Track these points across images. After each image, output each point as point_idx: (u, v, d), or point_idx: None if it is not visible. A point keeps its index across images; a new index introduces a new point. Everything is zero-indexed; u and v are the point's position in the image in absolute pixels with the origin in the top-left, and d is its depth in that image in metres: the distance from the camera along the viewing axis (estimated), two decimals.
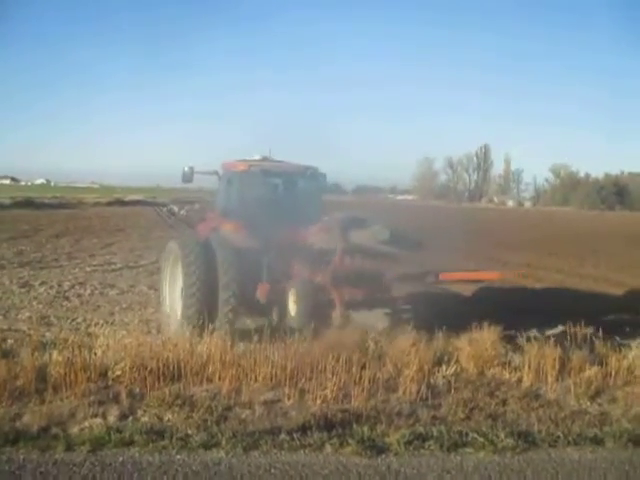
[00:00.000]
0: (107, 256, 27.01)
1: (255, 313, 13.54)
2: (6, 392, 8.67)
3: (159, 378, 9.34)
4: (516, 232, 53.86)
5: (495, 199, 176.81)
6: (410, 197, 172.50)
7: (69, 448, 7.43)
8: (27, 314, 14.97)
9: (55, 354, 9.86)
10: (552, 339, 11.28)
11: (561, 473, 7.51)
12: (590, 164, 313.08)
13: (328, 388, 9.10)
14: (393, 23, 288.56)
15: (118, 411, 8.45)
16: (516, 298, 19.59)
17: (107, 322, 13.83)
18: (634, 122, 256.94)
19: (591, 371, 10.58)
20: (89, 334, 12.39)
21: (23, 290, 18.16)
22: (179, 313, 12.93)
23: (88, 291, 18.35)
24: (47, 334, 12.51)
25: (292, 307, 12.43)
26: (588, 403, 9.68)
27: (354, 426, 8.28)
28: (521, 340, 11.59)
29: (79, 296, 17.64)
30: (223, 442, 7.65)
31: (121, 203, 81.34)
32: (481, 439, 8.09)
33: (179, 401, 8.68)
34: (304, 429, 8.08)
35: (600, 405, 9.68)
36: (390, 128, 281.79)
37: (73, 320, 14.50)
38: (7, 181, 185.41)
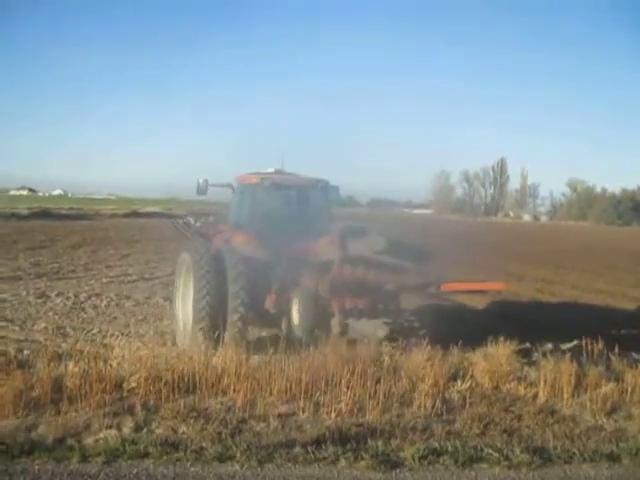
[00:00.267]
0: (123, 267, 27.09)
1: (266, 324, 13.65)
2: (22, 403, 8.70)
3: (174, 390, 9.36)
4: (532, 246, 53.66)
5: (511, 213, 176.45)
6: (426, 211, 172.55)
7: (84, 459, 7.46)
8: (43, 325, 15.02)
9: (71, 365, 9.91)
10: (568, 354, 11.23)
11: None
12: (607, 179, 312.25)
13: (343, 402, 9.10)
14: (409, 37, 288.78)
15: (133, 423, 8.47)
16: (531, 312, 19.55)
17: (123, 334, 13.87)
18: None
19: (607, 387, 10.53)
20: (105, 345, 12.42)
21: (39, 301, 18.21)
22: (190, 323, 12.96)
23: (104, 302, 18.39)
24: (63, 345, 12.54)
25: (295, 316, 12.55)
26: (604, 419, 9.63)
27: (369, 440, 8.27)
28: (536, 355, 11.57)
29: (95, 307, 17.69)
30: (238, 455, 7.66)
31: (138, 215, 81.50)
32: (496, 454, 8.07)
33: (194, 413, 8.70)
34: (318, 443, 8.07)
35: (616, 421, 9.63)
36: (407, 142, 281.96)
37: (89, 331, 14.53)
38: (25, 192, 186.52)
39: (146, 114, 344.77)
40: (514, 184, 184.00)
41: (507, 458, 8.02)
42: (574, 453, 8.30)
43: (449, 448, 8.15)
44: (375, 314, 12.40)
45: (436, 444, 8.26)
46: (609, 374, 11.19)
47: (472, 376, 10.74)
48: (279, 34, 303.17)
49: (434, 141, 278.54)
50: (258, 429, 8.53)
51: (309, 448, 7.90)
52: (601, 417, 9.67)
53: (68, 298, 18.71)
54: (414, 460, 7.83)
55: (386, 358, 11.11)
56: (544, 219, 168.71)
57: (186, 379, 9.65)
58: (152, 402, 9.14)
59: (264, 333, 13.62)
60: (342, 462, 7.73)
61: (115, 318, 16.33)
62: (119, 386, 9.54)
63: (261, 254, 13.11)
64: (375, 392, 9.41)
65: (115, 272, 25.38)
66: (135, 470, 7.30)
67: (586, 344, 11.83)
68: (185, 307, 13.67)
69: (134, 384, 9.53)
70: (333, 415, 8.91)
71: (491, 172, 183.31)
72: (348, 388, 9.35)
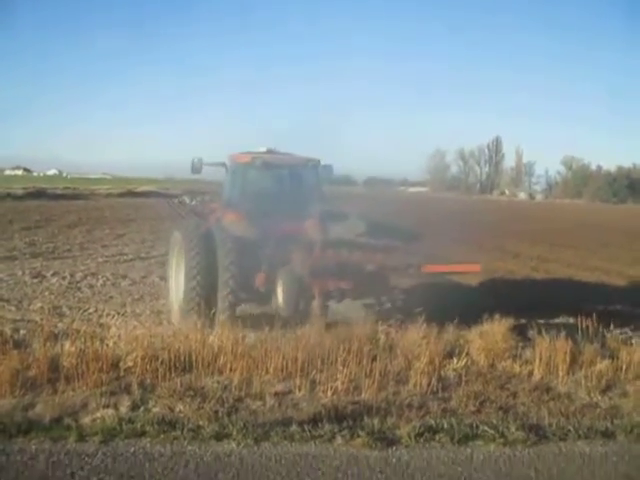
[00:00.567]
0: (119, 247, 27.07)
1: (257, 302, 13.72)
2: (19, 382, 8.72)
3: (170, 369, 9.38)
4: (527, 224, 53.67)
5: (507, 191, 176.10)
6: (422, 189, 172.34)
7: (81, 438, 7.49)
8: (39, 305, 15.01)
9: (67, 345, 9.93)
10: (563, 332, 11.26)
11: (571, 466, 7.53)
12: (602, 156, 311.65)
13: (339, 380, 9.13)
14: (406, 20, 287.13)
15: (130, 402, 8.50)
16: (525, 290, 19.60)
17: (119, 313, 13.92)
18: None
19: (602, 365, 10.59)
20: (101, 325, 12.45)
21: (35, 281, 18.21)
22: (182, 299, 13.05)
23: (100, 282, 18.39)
24: (59, 325, 12.53)
25: (280, 296, 12.65)
26: (599, 396, 9.68)
27: (365, 418, 8.31)
28: (532, 333, 11.61)
29: (91, 287, 17.69)
30: (234, 433, 7.70)
31: (133, 194, 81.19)
32: (491, 432, 8.11)
33: (190, 392, 8.72)
34: (315, 421, 8.11)
35: (611, 399, 9.68)
36: (404, 121, 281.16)
37: (85, 311, 14.53)
38: (19, 172, 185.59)
39: (143, 95, 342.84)
40: (509, 162, 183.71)
41: (502, 435, 8.07)
42: (569, 430, 8.34)
43: (445, 426, 8.20)
44: (360, 295, 12.51)
45: (432, 422, 8.30)
46: (604, 351, 11.24)
47: (468, 354, 10.78)
48: (279, 18, 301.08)
49: (430, 120, 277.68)
50: (254, 407, 8.57)
51: (305, 426, 7.94)
52: (596, 394, 9.72)
53: (64, 278, 18.71)
54: (410, 438, 7.87)
55: (382, 336, 11.16)
56: (539, 197, 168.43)
57: (182, 358, 9.67)
58: (149, 381, 9.17)
59: (256, 311, 13.62)
60: (338, 440, 7.76)
61: (111, 297, 16.34)
62: (116, 365, 9.56)
63: (250, 233, 13.19)
64: (371, 370, 9.44)
65: (111, 251, 25.37)
66: (132, 449, 7.33)
67: (581, 321, 11.88)
68: (178, 285, 13.72)
69: (131, 363, 9.55)
70: (329, 393, 8.94)
71: (486, 150, 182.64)
72: (344, 366, 9.36)
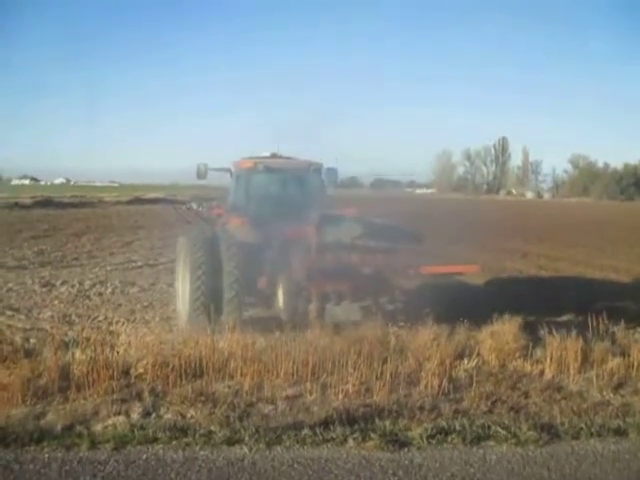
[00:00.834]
0: (127, 254, 27.09)
1: (262, 305, 13.85)
2: (30, 391, 8.74)
3: (181, 375, 9.39)
4: (535, 224, 53.61)
5: (513, 191, 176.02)
6: (429, 190, 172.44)
7: (93, 446, 7.49)
8: (49, 313, 15.03)
9: (78, 353, 9.97)
10: (573, 331, 11.24)
11: (584, 465, 7.50)
12: (609, 154, 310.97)
13: (350, 383, 9.13)
14: (411, 19, 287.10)
15: (141, 408, 8.51)
16: (534, 289, 19.55)
17: (128, 320, 13.91)
18: None
19: (613, 362, 10.57)
20: (111, 332, 12.43)
21: (45, 289, 18.23)
22: (187, 303, 13.11)
23: (109, 289, 18.40)
24: (69, 333, 12.55)
25: (280, 299, 12.81)
26: (611, 394, 9.66)
27: (376, 420, 8.31)
28: (542, 332, 11.59)
29: (100, 295, 17.70)
30: (246, 438, 7.70)
31: (141, 201, 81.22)
32: (504, 432, 8.10)
33: (202, 398, 8.73)
34: (326, 424, 8.10)
35: (623, 396, 9.65)
36: (410, 123, 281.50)
37: (95, 319, 14.54)
38: (27, 181, 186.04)
39: (146, 101, 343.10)
40: (516, 161, 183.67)
41: (515, 435, 8.05)
42: (581, 429, 8.32)
43: (457, 427, 8.18)
44: (358, 297, 12.54)
45: (444, 423, 8.29)
46: (615, 349, 11.22)
47: (478, 354, 10.78)
48: (279, 19, 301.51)
49: (436, 121, 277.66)
50: (266, 412, 8.57)
51: (317, 429, 7.94)
52: (608, 392, 9.70)
53: (73, 286, 18.73)
54: (422, 439, 7.86)
55: (392, 338, 11.15)
56: (547, 196, 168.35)
57: (193, 364, 9.68)
58: (160, 387, 9.18)
59: (265, 315, 13.65)
60: (350, 443, 7.75)
61: (120, 305, 16.35)
62: (126, 372, 9.59)
63: (254, 237, 13.35)
64: (382, 372, 9.44)
65: (119, 259, 25.40)
66: (144, 455, 7.33)
67: (591, 319, 11.86)
68: (184, 290, 13.79)
69: (141, 370, 9.57)
70: (340, 396, 8.94)
71: (493, 150, 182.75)
72: (355, 369, 9.37)
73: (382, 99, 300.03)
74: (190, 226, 17.07)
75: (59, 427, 7.88)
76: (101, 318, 14.58)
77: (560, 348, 10.62)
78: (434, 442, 7.86)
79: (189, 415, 8.33)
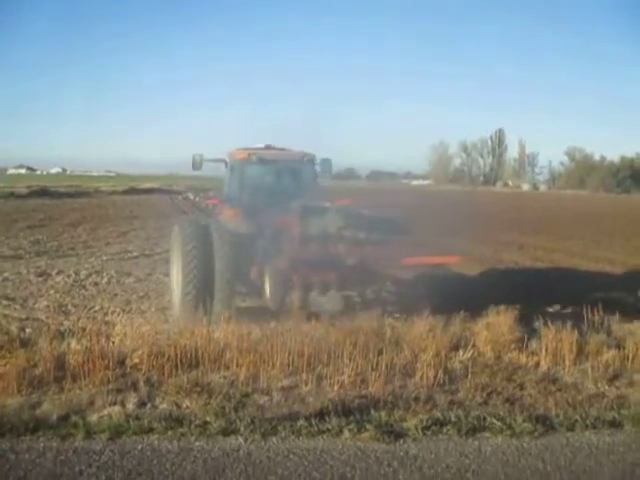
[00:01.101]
0: (123, 244, 27.09)
1: (254, 294, 13.93)
2: (25, 381, 8.73)
3: (177, 365, 9.38)
4: (531, 215, 53.68)
5: (510, 183, 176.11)
6: (425, 182, 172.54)
7: (88, 436, 7.49)
8: (45, 303, 15.03)
9: (73, 343, 9.95)
10: (569, 322, 11.26)
11: (579, 457, 7.51)
12: (605, 147, 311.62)
13: (345, 374, 9.13)
14: (408, 15, 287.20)
15: (136, 399, 8.50)
16: (530, 280, 19.57)
17: (124, 310, 13.90)
18: None
19: (609, 354, 10.58)
20: (106, 322, 12.43)
21: (40, 279, 18.22)
22: (180, 294, 13.18)
23: (105, 280, 18.40)
24: (65, 323, 12.56)
25: (267, 289, 12.86)
26: (606, 386, 9.66)
27: (372, 412, 8.31)
28: (537, 324, 11.62)
29: (96, 285, 17.70)
30: (242, 429, 7.70)
31: (137, 191, 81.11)
32: (499, 423, 8.10)
33: (197, 388, 8.72)
34: (322, 415, 8.11)
35: (618, 388, 9.66)
36: (406, 115, 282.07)
37: (90, 309, 14.54)
38: (23, 170, 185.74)
39: (147, 93, 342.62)
40: (512, 153, 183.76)
41: (510, 427, 8.06)
42: (576, 421, 8.33)
43: (452, 418, 8.19)
44: (345, 287, 12.55)
45: (439, 414, 8.29)
46: (610, 341, 11.24)
47: (474, 346, 10.78)
48: (279, 14, 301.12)
49: (433, 115, 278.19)
50: (261, 402, 8.57)
51: (312, 421, 7.94)
52: (603, 384, 9.71)
53: (69, 276, 18.72)
54: (417, 430, 7.87)
55: (388, 330, 11.16)
56: (543, 188, 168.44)
57: (188, 354, 9.67)
58: (155, 378, 9.17)
59: (259, 304, 13.67)
60: (346, 434, 7.76)
61: (116, 295, 16.35)
62: (122, 363, 9.57)
63: (246, 227, 13.44)
64: (377, 364, 9.44)
65: (115, 249, 25.39)
66: (140, 445, 7.33)
67: (586, 311, 11.88)
68: (178, 279, 13.84)
69: (137, 360, 9.55)
70: (336, 387, 8.95)
71: (489, 142, 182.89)
72: (350, 360, 9.37)
73: (381, 94, 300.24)
74: (184, 216, 17.12)
75: (54, 417, 7.87)
76: (97, 308, 14.58)
77: (555, 340, 10.63)
78: (429, 433, 7.87)
79: (184, 405, 8.33)
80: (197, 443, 7.43)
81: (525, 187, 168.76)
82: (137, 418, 7.89)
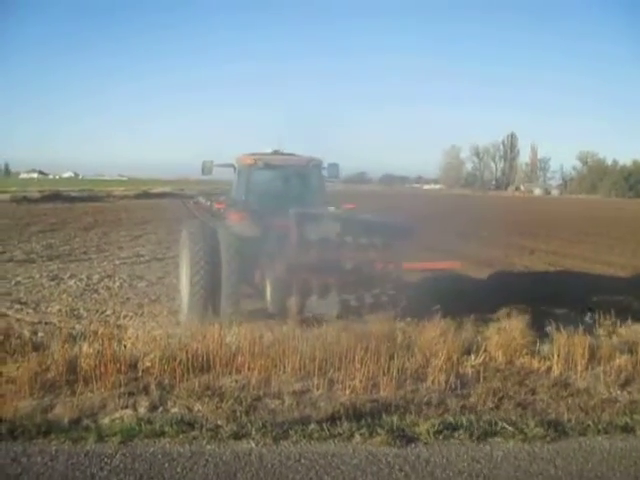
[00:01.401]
0: (135, 248, 27.19)
1: (260, 298, 13.87)
2: (38, 384, 8.76)
3: (188, 369, 9.39)
4: (543, 220, 53.55)
5: (522, 187, 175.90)
6: (437, 186, 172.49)
7: (100, 439, 7.50)
8: (57, 307, 15.07)
9: (85, 346, 9.97)
10: (581, 327, 11.23)
11: (591, 462, 7.48)
12: (618, 151, 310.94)
13: (357, 378, 9.13)
14: (419, 17, 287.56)
15: (148, 402, 8.51)
16: (540, 284, 19.51)
17: (136, 314, 13.97)
18: None
19: (621, 359, 10.55)
20: (119, 326, 12.46)
21: (53, 283, 18.28)
22: (187, 296, 13.30)
23: (117, 283, 18.46)
24: (77, 326, 12.59)
25: (268, 293, 12.98)
26: (618, 391, 9.63)
27: (383, 416, 8.30)
28: (549, 328, 11.59)
29: (108, 289, 17.75)
30: (253, 432, 7.70)
31: (149, 195, 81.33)
32: (511, 428, 8.08)
33: (209, 392, 8.73)
34: (333, 419, 8.10)
35: (630, 393, 9.62)
36: (419, 119, 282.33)
37: (102, 312, 14.58)
38: (35, 175, 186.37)
39: (155, 95, 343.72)
40: (524, 158, 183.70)
41: (522, 432, 8.04)
42: (588, 425, 8.30)
43: (464, 422, 8.17)
44: (345, 290, 12.56)
45: (451, 419, 8.28)
46: (622, 346, 11.20)
47: (486, 350, 10.75)
48: (283, 17, 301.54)
49: (446, 119, 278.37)
50: (273, 406, 8.57)
51: (324, 425, 7.93)
52: (615, 389, 9.67)
53: (81, 280, 18.79)
54: (429, 435, 7.85)
55: (399, 334, 11.15)
56: (555, 193, 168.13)
57: (200, 358, 9.69)
58: (167, 381, 9.19)
59: (261, 306, 13.71)
60: (357, 438, 7.75)
61: (128, 299, 16.39)
62: (134, 366, 9.60)
63: (251, 231, 13.49)
64: (389, 368, 9.43)
65: (127, 253, 25.48)
66: (151, 449, 7.34)
67: (599, 316, 11.85)
68: (185, 282, 13.91)
69: (148, 364, 9.58)
70: (347, 392, 8.94)
71: (501, 146, 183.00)
72: (362, 364, 9.36)
73: (393, 98, 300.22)
74: (192, 219, 17.21)
75: (66, 420, 7.90)
76: (109, 312, 14.62)
77: (568, 344, 10.60)
78: (441, 438, 7.85)
79: (196, 409, 8.34)
80: (208, 447, 7.44)
81: (537, 192, 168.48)
82: (149, 422, 7.90)
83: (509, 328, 11.39)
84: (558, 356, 10.43)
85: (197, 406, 8.39)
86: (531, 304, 13.95)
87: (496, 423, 8.19)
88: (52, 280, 18.71)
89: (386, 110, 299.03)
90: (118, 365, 9.31)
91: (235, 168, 15.80)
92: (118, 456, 7.15)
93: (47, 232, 32.62)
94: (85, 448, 7.31)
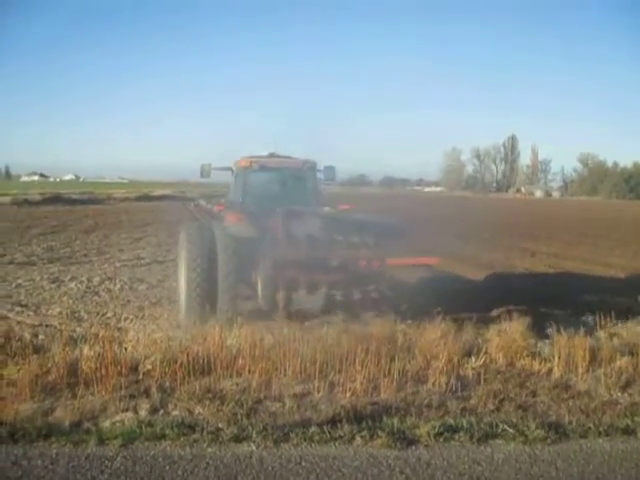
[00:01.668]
0: (136, 251, 27.14)
1: (257, 297, 13.84)
2: (38, 387, 8.77)
3: (189, 372, 9.39)
4: (543, 222, 53.55)
5: (523, 189, 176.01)
6: (438, 189, 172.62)
7: (101, 442, 7.50)
8: (58, 309, 15.04)
9: (86, 349, 9.99)
10: (581, 329, 11.24)
11: (592, 464, 7.47)
12: (618, 153, 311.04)
13: (357, 380, 9.12)
14: (421, 21, 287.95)
15: (149, 405, 8.52)
16: (540, 286, 19.50)
17: (137, 317, 13.96)
18: None
19: (621, 361, 10.55)
20: (119, 329, 12.47)
21: (53, 286, 18.26)
22: (184, 297, 13.29)
23: (118, 286, 18.44)
24: (78, 329, 12.58)
25: (259, 289, 13.09)
26: (619, 393, 9.62)
27: (384, 418, 8.30)
28: (550, 330, 11.59)
29: (109, 291, 17.73)
30: (254, 435, 7.69)
31: (149, 198, 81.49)
32: (511, 430, 8.08)
33: (209, 395, 8.74)
34: (334, 422, 8.10)
35: (631, 395, 9.61)
36: (419, 121, 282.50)
37: (103, 315, 14.55)
38: (36, 177, 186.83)
39: (155, 98, 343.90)
40: (525, 160, 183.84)
41: (522, 434, 8.03)
42: (589, 428, 8.30)
43: (464, 425, 8.17)
44: (334, 287, 12.62)
45: (451, 421, 8.28)
46: (623, 347, 11.20)
47: (486, 352, 10.76)
48: (284, 20, 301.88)
49: (446, 120, 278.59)
50: (273, 409, 8.57)
51: (325, 427, 7.93)
52: (616, 391, 9.66)
53: (82, 282, 18.77)
54: (430, 437, 7.85)
55: (400, 336, 11.15)
56: (556, 195, 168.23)
57: (201, 361, 9.69)
58: (168, 384, 9.19)
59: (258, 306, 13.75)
60: (358, 440, 7.75)
61: (129, 301, 16.37)
62: (134, 369, 9.61)
63: (248, 232, 13.68)
64: (389, 370, 9.43)
65: (128, 256, 25.45)
66: (152, 452, 7.34)
67: (599, 318, 11.84)
68: (182, 283, 13.95)
69: (149, 367, 9.59)
70: (348, 394, 8.94)
71: (502, 149, 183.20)
72: (362, 367, 9.36)
73: (394, 101, 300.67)
74: (189, 221, 17.36)
75: (67, 423, 7.90)
76: (109, 314, 14.59)
77: (568, 346, 10.61)
78: (442, 440, 7.85)
79: (197, 412, 8.34)
80: (209, 450, 7.44)
81: (538, 194, 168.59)
82: (150, 424, 7.90)
83: (510, 330, 11.39)
84: (559, 358, 10.43)
85: (198, 409, 8.39)
86: (531, 306, 13.94)
87: (497, 425, 8.18)
88: (53, 282, 18.69)
89: (387, 113, 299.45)
90: (119, 368, 9.31)
91: (232, 171, 16.06)
92: (119, 459, 7.15)
93: (48, 235, 32.62)
94: (86, 451, 7.31)
